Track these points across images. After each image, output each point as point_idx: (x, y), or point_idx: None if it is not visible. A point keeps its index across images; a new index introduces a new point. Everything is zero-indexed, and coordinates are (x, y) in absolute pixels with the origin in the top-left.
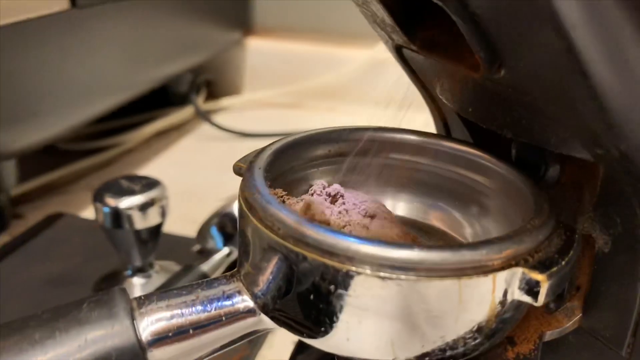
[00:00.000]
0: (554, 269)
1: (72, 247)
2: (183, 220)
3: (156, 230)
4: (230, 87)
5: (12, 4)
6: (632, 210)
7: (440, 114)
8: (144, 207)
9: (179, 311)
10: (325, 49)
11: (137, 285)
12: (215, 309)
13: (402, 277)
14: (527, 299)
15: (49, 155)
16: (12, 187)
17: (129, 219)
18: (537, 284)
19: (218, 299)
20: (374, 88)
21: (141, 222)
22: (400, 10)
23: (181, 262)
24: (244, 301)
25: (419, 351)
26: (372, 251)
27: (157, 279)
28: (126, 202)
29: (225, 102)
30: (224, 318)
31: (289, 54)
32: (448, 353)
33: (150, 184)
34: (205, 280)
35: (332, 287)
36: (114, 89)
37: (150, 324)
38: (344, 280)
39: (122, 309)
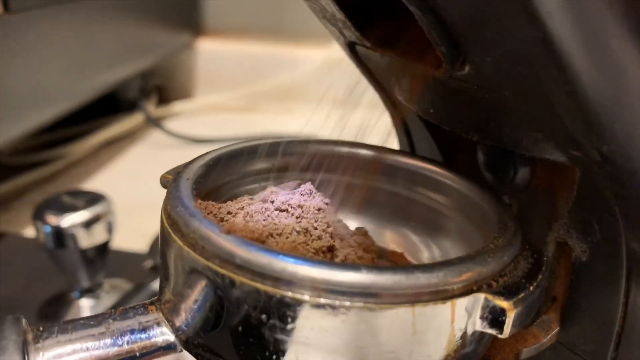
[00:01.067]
0: (521, 295)
1: (15, 270)
2: (133, 235)
3: (103, 248)
4: (181, 92)
5: None
6: (613, 216)
7: (399, 117)
8: (88, 224)
9: (83, 345)
10: (280, 49)
11: (86, 308)
12: (127, 343)
13: (347, 304)
14: (490, 330)
15: None
16: None
17: (73, 237)
18: (503, 312)
19: (132, 332)
20: (331, 88)
21: (86, 241)
22: (351, 3)
23: (133, 279)
24: (163, 334)
25: None
26: (312, 273)
27: (108, 300)
28: (69, 220)
29: (176, 107)
30: (137, 354)
31: (242, 56)
32: None
33: (94, 198)
34: (119, 309)
35: (264, 317)
36: (57, 97)
37: None
38: (278, 309)
39: (11, 342)
